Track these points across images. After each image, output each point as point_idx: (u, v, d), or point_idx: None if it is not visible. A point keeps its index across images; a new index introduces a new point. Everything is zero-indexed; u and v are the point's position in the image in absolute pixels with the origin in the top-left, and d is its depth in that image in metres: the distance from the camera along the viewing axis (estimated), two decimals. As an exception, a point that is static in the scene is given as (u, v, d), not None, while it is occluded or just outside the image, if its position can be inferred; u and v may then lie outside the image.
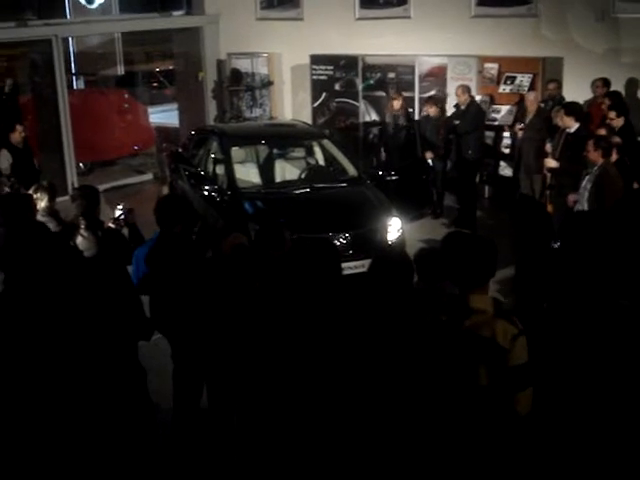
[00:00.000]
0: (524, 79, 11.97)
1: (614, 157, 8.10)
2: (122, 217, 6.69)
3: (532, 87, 11.77)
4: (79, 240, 6.44)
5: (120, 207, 6.78)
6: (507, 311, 4.09)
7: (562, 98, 11.12)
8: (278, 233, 5.49)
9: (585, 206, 8.05)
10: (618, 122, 9.32)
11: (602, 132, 8.79)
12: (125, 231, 6.73)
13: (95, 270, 4.84)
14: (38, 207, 6.96)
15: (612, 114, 9.39)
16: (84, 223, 6.55)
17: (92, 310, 4.45)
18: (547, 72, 11.79)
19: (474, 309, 4.00)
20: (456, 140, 11.62)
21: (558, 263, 4.88)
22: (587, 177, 8.15)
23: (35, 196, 7.03)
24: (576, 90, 11.13)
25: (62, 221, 6.95)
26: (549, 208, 9.62)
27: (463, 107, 11.54)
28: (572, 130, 9.22)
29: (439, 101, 12.03)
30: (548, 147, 9.59)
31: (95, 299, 4.50)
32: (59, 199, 7.64)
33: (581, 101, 10.65)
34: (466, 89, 11.56)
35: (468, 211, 11.49)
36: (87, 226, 6.53)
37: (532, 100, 10.63)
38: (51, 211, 7.12)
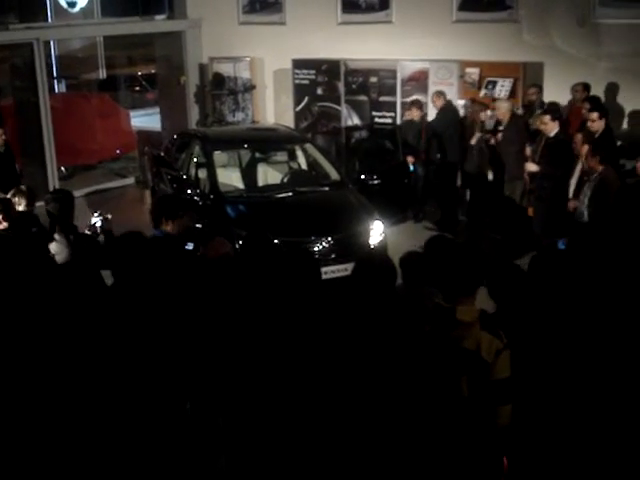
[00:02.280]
0: (505, 84, 12.03)
1: None
2: (97, 224, 6.68)
3: (513, 92, 11.85)
4: (51, 244, 6.45)
5: (96, 214, 6.77)
6: (493, 323, 4.07)
7: (543, 103, 11.19)
8: (265, 241, 5.49)
9: (585, 212, 8.09)
10: (600, 125, 9.25)
11: (579, 137, 8.84)
12: (101, 238, 6.71)
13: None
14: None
15: (594, 115, 9.27)
16: (57, 227, 6.56)
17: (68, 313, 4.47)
18: (528, 77, 11.85)
19: (460, 321, 3.98)
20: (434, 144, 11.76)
21: (566, 265, 4.87)
22: (587, 184, 8.20)
23: (13, 200, 7.00)
24: (556, 95, 11.21)
25: (41, 226, 6.94)
26: (529, 212, 9.67)
27: (437, 110, 11.77)
28: (552, 134, 9.29)
29: (422, 105, 12.07)
30: (528, 151, 9.65)
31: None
32: (40, 203, 7.60)
33: (562, 106, 10.73)
34: (438, 94, 11.75)
35: (448, 215, 11.58)
36: (60, 230, 6.55)
37: (505, 111, 10.61)
38: (29, 214, 7.09)
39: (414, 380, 4.07)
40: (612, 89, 11.33)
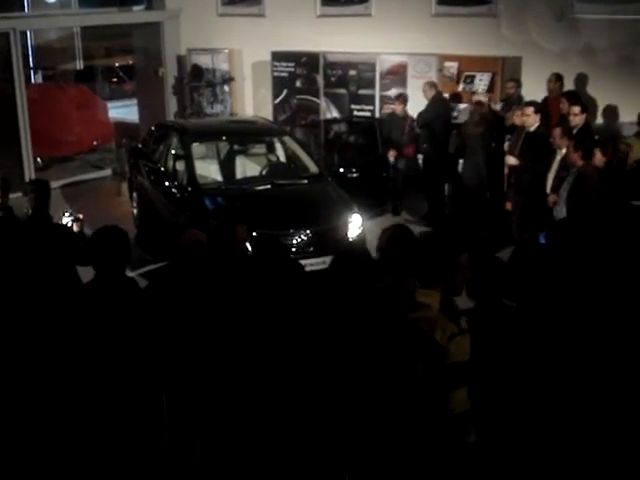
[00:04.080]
0: (483, 78, 12.06)
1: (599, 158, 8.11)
2: (69, 225, 6.61)
3: (491, 86, 11.89)
4: None
5: (67, 214, 6.71)
6: (454, 310, 4.14)
7: (520, 97, 11.23)
8: (230, 230, 5.46)
9: (564, 207, 8.12)
10: (581, 119, 9.26)
11: (557, 131, 8.87)
12: None
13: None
14: None
15: (576, 109, 9.29)
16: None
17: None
18: (506, 71, 11.90)
19: (420, 303, 4.09)
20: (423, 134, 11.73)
21: (546, 260, 4.91)
22: (566, 179, 8.24)
23: None
24: (535, 89, 11.24)
25: (15, 217, 6.90)
26: (507, 206, 9.70)
27: (428, 100, 11.70)
28: (532, 128, 9.31)
29: (407, 99, 12.02)
30: (506, 146, 9.68)
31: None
32: (16, 195, 7.55)
33: (539, 100, 10.78)
34: (430, 85, 11.68)
35: (432, 208, 11.60)
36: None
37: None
38: (4, 207, 7.05)
39: (373, 359, 4.13)
40: (590, 84, 11.39)
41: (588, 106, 10.03)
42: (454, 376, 4.01)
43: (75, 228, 6.62)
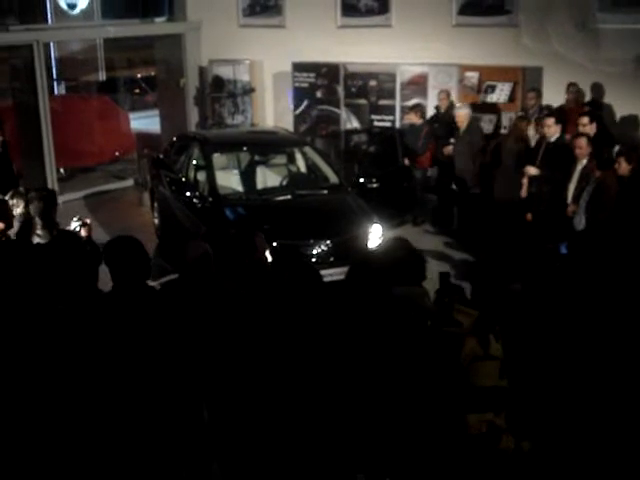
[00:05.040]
0: (504, 88, 12.05)
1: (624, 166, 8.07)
2: (77, 230, 6.64)
3: (512, 96, 11.89)
4: (35, 240, 6.53)
5: (75, 219, 6.75)
6: (486, 332, 4.13)
7: (541, 107, 11.20)
8: (249, 240, 5.48)
9: (582, 217, 8.09)
10: (591, 129, 9.28)
11: (582, 141, 8.83)
12: None
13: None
14: (14, 213, 6.93)
15: (585, 120, 9.33)
16: (41, 223, 6.64)
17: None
18: (527, 81, 11.88)
19: (455, 320, 4.12)
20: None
21: (568, 270, 4.91)
22: (586, 188, 8.22)
23: (11, 202, 6.99)
24: (555, 99, 11.22)
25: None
26: (528, 216, 9.66)
27: (442, 111, 11.78)
28: (553, 139, 9.28)
29: (423, 109, 12.08)
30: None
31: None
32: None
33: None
34: (448, 94, 11.88)
35: (446, 214, 11.59)
36: (43, 226, 6.63)
37: (464, 116, 10.74)
38: (27, 217, 7.09)
39: (391, 366, 4.17)
40: (611, 94, 11.34)
41: (609, 116, 10.00)
42: (471, 398, 4.01)
43: (83, 233, 6.64)
